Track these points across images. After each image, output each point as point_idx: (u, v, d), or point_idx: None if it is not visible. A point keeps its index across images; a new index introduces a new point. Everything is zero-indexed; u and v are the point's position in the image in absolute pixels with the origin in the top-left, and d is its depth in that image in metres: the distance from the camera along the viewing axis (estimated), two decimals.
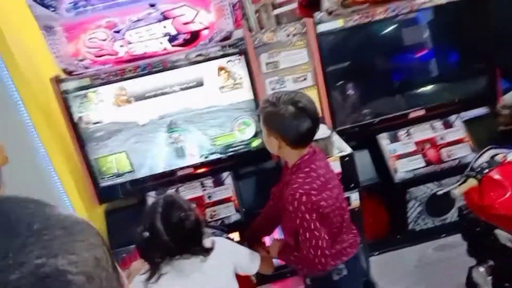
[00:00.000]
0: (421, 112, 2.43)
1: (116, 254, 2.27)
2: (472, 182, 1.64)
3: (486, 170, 1.62)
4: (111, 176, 2.26)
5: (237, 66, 2.23)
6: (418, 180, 2.31)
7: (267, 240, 1.94)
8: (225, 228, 1.78)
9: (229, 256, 1.40)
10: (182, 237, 1.26)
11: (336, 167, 1.95)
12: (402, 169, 2.32)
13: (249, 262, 1.45)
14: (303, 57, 2.30)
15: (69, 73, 2.13)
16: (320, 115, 2.35)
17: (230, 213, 2.21)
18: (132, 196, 2.32)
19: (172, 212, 1.27)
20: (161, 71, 2.17)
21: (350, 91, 2.44)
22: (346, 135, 2.39)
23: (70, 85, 2.13)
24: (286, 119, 1.31)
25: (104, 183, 2.26)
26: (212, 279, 1.32)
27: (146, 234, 1.26)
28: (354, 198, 1.99)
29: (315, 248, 1.31)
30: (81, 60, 2.11)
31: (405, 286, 2.14)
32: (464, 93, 2.44)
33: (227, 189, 2.27)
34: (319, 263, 1.32)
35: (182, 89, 2.20)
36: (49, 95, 2.15)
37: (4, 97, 1.97)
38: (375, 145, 2.43)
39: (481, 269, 1.73)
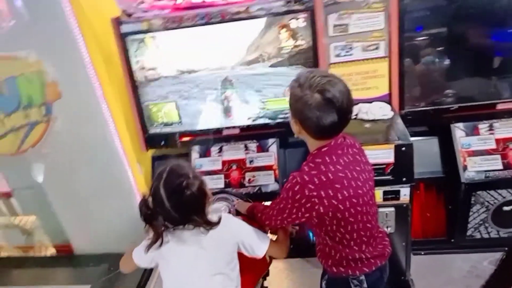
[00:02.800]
0: None
1: None
2: None
3: None
4: (160, 124, 2.28)
5: (301, 26, 2.01)
6: (490, 183, 1.98)
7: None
8: (244, 197, 1.70)
9: (234, 235, 1.35)
10: (183, 205, 1.24)
11: (389, 156, 1.73)
12: (473, 168, 2.01)
13: (257, 244, 1.37)
14: (378, 23, 2.00)
15: (128, 15, 2.09)
16: (387, 92, 2.10)
17: (268, 181, 2.12)
18: (177, 146, 2.32)
19: (175, 179, 1.23)
20: (220, 23, 2.04)
21: (429, 68, 2.09)
22: (415, 119, 2.11)
23: (129, 27, 2.11)
24: (309, 107, 1.14)
25: (153, 130, 2.29)
26: (208, 254, 1.30)
27: (150, 199, 1.25)
28: (404, 193, 1.77)
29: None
30: (140, 3, 2.05)
31: None
32: None
33: (270, 156, 2.17)
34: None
35: (239, 44, 2.06)
36: (109, 37, 2.15)
37: (65, 34, 2.01)
38: (447, 135, 2.11)
39: None
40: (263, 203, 1.81)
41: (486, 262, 2.03)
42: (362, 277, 1.30)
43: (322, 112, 1.13)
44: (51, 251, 2.75)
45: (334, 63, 2.08)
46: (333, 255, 1.32)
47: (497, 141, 2.01)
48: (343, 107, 1.14)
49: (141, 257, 1.39)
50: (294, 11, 1.98)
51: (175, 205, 1.22)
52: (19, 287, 2.27)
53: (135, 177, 2.40)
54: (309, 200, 1.19)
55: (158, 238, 1.28)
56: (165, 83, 2.19)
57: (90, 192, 2.43)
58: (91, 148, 2.29)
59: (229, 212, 1.58)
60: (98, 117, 2.19)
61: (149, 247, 1.29)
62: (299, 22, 2.01)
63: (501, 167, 1.98)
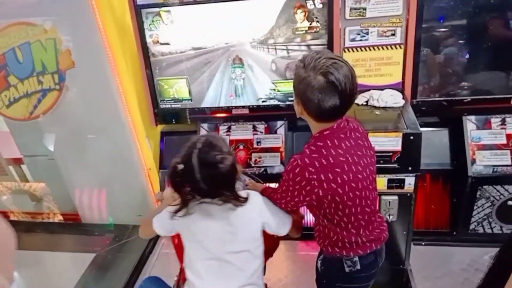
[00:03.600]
0: None
1: (163, 175, 2.39)
2: None
3: None
4: (170, 100, 2.29)
5: (318, 7, 1.99)
6: (497, 178, 1.96)
7: None
8: (257, 178, 1.71)
9: (260, 213, 1.34)
10: (214, 179, 1.22)
11: (397, 144, 1.72)
12: (481, 162, 1.99)
13: (280, 224, 1.38)
14: (396, 8, 1.96)
15: None
16: (400, 80, 2.08)
17: (274, 163, 2.13)
18: (187, 123, 2.33)
19: (210, 151, 1.21)
20: (236, 0, 2.02)
21: (445, 58, 2.05)
22: (427, 109, 2.09)
23: (145, 0, 2.09)
24: (311, 89, 1.13)
25: (163, 106, 2.31)
26: (235, 230, 1.29)
27: (181, 166, 1.23)
28: (409, 182, 1.76)
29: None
30: None
31: (441, 286, 1.93)
32: None
33: (278, 138, 2.17)
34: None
35: (254, 23, 2.05)
36: (125, 9, 2.15)
37: (81, 2, 2.01)
38: (458, 127, 2.09)
39: None
40: (269, 185, 1.84)
41: (487, 257, 2.03)
42: (356, 259, 1.32)
43: (324, 95, 1.12)
44: (59, 218, 2.82)
45: (348, 47, 2.05)
46: (331, 236, 1.33)
47: (508, 136, 1.99)
48: (345, 91, 1.12)
49: (162, 224, 1.38)
50: None
51: (206, 177, 1.21)
52: (26, 251, 2.33)
53: (144, 151, 2.43)
54: (309, 182, 1.19)
55: (184, 206, 1.28)
56: (178, 59, 2.19)
57: (99, 163, 2.47)
58: (102, 119, 2.31)
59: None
60: (109, 89, 2.21)
61: (175, 213, 1.29)
62: (316, 3, 1.98)
63: (509, 162, 1.95)
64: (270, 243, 1.48)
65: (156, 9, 2.10)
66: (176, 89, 2.26)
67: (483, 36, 1.98)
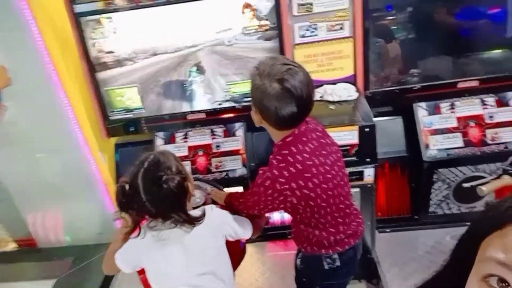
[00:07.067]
0: (474, 83, 2.07)
1: None
2: (506, 180, 1.40)
3: None
4: (121, 111, 2.19)
5: (265, 5, 1.96)
6: (451, 161, 2.03)
7: None
8: (218, 185, 1.67)
9: (219, 228, 1.29)
10: (160, 200, 1.16)
11: (354, 137, 1.74)
12: (435, 146, 2.05)
13: (242, 230, 1.34)
14: (342, 2, 1.97)
15: None
16: (352, 72, 2.10)
17: (236, 166, 2.09)
18: (141, 133, 2.24)
19: (156, 170, 1.15)
20: (181, 2, 1.96)
21: (393, 48, 2.09)
22: (380, 99, 2.12)
23: (83, 8, 1.99)
24: (267, 96, 1.11)
25: (114, 117, 2.20)
26: (193, 253, 1.23)
27: (127, 186, 1.18)
28: (368, 173, 1.79)
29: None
30: None
31: (408, 271, 1.98)
32: None
33: (237, 141, 2.13)
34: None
35: (200, 25, 1.99)
36: (64, 19, 2.02)
37: (14, 14, 1.87)
38: (411, 115, 2.14)
39: None
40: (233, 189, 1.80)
41: (449, 237, 2.10)
42: (335, 256, 1.32)
43: (281, 102, 1.10)
44: (13, 246, 2.64)
45: (299, 44, 2.04)
46: (310, 238, 1.33)
47: (458, 119, 2.06)
48: (302, 97, 1.11)
49: (124, 259, 1.28)
50: None
51: (151, 199, 1.14)
52: None
53: (98, 166, 2.31)
54: (281, 193, 1.18)
55: (135, 227, 1.21)
56: (126, 67, 2.09)
57: (51, 182, 2.32)
58: (50, 137, 2.18)
59: (205, 202, 1.52)
60: (55, 105, 2.07)
61: (126, 235, 1.22)
62: (262, 1, 1.96)
63: (462, 144, 2.02)
64: (237, 250, 1.45)
65: (97, 16, 1.99)
66: (127, 97, 2.17)
67: (429, 24, 2.03)
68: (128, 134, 2.25)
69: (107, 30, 2.02)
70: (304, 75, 1.13)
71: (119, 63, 2.09)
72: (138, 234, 1.23)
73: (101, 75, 2.11)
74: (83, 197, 2.36)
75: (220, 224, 1.29)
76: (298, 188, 1.17)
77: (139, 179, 1.15)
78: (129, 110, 2.18)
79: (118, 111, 2.19)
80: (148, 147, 2.20)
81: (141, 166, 1.16)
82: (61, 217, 2.46)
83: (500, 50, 2.08)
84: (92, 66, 2.10)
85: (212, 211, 1.30)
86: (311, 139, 1.22)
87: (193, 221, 1.20)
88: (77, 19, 2.00)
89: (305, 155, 1.18)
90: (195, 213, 1.24)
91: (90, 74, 2.11)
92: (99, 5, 1.98)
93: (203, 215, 1.23)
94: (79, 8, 1.99)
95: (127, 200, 1.18)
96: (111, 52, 2.07)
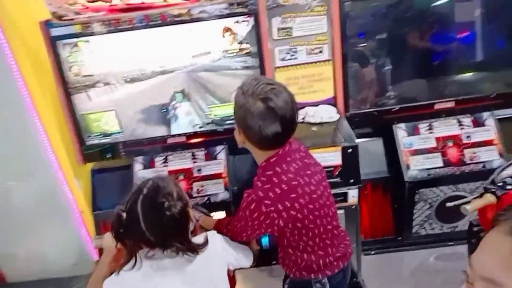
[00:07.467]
0: (450, 104, 2.13)
1: (97, 217, 2.20)
2: (489, 199, 1.41)
3: (510, 187, 1.38)
4: (98, 135, 2.12)
5: (245, 29, 1.97)
6: (432, 181, 2.05)
7: None
8: (206, 211, 1.62)
9: (222, 255, 1.23)
10: (161, 228, 1.10)
11: (337, 158, 1.73)
12: (416, 167, 2.07)
13: (243, 258, 1.29)
14: (321, 26, 2.01)
15: (59, 17, 1.93)
16: (333, 95, 2.12)
17: (218, 190, 2.05)
18: (119, 158, 2.18)
19: (157, 197, 1.10)
20: (160, 26, 1.94)
21: (371, 71, 2.14)
22: (360, 120, 2.15)
23: (59, 31, 1.94)
24: (250, 115, 1.10)
25: (90, 142, 2.13)
26: (197, 281, 1.16)
27: (124, 215, 1.11)
28: (352, 195, 1.78)
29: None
30: (72, 5, 1.91)
31: None
32: (505, 87, 2.11)
33: (219, 164, 2.09)
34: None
35: (181, 49, 1.98)
36: (39, 42, 1.98)
37: None
38: (391, 135, 2.17)
39: None
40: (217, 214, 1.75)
41: (432, 258, 2.10)
42: (325, 280, 1.29)
43: (265, 121, 1.10)
44: None
45: (280, 67, 2.06)
46: (298, 263, 1.30)
47: (437, 139, 2.10)
48: (285, 117, 1.11)
49: None
50: (237, 14, 1.94)
51: (151, 227, 1.08)
52: None
53: (73, 193, 2.22)
54: (267, 216, 1.15)
55: (131, 259, 1.13)
56: (103, 91, 2.04)
57: (23, 211, 2.20)
58: (22, 164, 2.08)
59: (194, 229, 1.46)
60: (28, 130, 1.99)
61: (120, 268, 1.14)
62: (242, 25, 1.97)
63: (441, 164, 2.05)
64: (230, 281, 1.39)
65: (74, 40, 1.95)
66: (104, 122, 2.11)
67: (403, 48, 2.09)
68: (106, 159, 2.17)
69: (85, 53, 1.98)
70: (288, 95, 1.13)
71: (96, 86, 2.04)
72: (134, 266, 1.14)
73: (77, 98, 2.05)
74: (57, 226, 2.24)
75: (222, 251, 1.24)
76: (285, 210, 1.15)
77: (138, 207, 1.09)
78: (106, 135, 2.12)
79: (95, 135, 2.12)
80: (125, 173, 2.14)
81: (140, 193, 1.11)
82: (33, 248, 2.33)
83: (472, 72, 2.16)
84: (68, 90, 2.04)
85: (214, 237, 1.24)
86: (295, 159, 1.20)
87: (196, 249, 1.15)
88: (53, 42, 1.96)
89: (290, 175, 1.16)
90: (197, 240, 1.18)
91: (65, 98, 2.05)
92: (76, 29, 1.94)
93: (206, 242, 1.17)
94: (55, 31, 1.94)
95: (125, 230, 1.12)
96: (88, 75, 2.02)
